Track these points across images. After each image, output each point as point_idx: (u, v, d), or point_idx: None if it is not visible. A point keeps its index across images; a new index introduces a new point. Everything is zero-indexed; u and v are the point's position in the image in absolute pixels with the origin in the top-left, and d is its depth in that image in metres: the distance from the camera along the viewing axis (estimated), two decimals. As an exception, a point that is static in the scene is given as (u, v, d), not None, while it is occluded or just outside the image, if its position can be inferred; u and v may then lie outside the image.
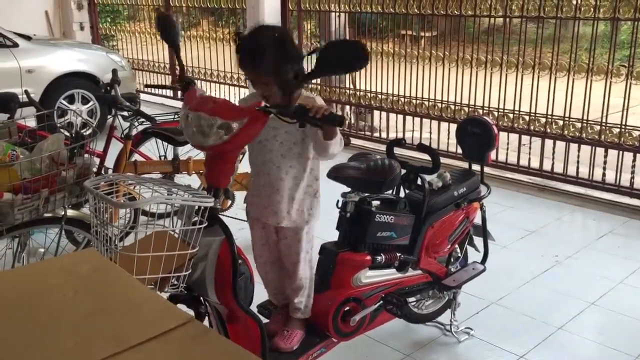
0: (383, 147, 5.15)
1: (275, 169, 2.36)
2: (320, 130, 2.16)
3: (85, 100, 6.54)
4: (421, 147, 2.78)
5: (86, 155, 2.31)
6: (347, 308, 2.57)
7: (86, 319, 1.33)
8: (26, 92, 3.82)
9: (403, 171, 2.76)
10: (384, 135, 6.39)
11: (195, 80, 2.30)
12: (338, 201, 2.60)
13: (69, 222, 2.45)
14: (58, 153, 2.27)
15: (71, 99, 6.45)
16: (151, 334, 1.28)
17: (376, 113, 6.49)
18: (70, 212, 2.49)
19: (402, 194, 2.86)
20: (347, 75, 6.76)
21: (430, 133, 5.85)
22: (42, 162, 2.21)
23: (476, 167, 3.05)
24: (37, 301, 1.40)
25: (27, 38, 6.38)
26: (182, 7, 8.65)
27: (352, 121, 6.86)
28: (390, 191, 2.76)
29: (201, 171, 3.86)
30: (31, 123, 4.19)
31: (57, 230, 2.44)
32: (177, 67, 2.41)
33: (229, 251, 2.14)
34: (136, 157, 4.06)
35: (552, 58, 4.97)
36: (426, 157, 2.81)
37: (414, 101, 5.96)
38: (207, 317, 2.27)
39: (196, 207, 2.04)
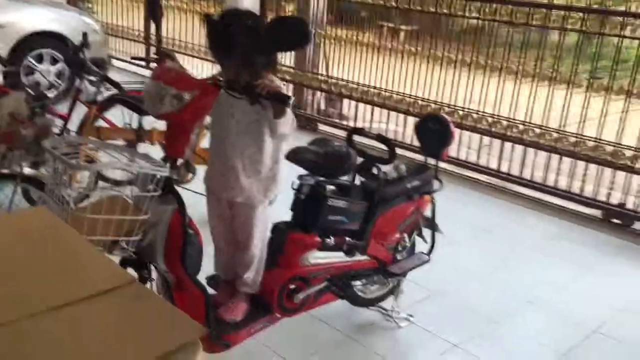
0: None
1: (230, 146, 2.40)
2: (264, 108, 2.23)
3: (54, 61, 6.46)
4: (380, 138, 2.87)
5: (47, 116, 2.33)
6: (293, 286, 2.65)
7: (31, 273, 1.38)
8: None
9: (361, 159, 2.86)
10: (351, 123, 6.47)
11: (174, 55, 2.34)
12: (293, 182, 2.67)
13: (25, 181, 2.46)
14: (19, 111, 2.29)
15: (40, 59, 6.36)
16: (93, 291, 1.33)
17: (345, 101, 6.57)
18: (27, 171, 2.51)
19: (357, 182, 2.94)
20: (322, 61, 6.84)
21: (397, 126, 5.95)
22: (2, 119, 2.23)
23: (432, 163, 3.16)
24: None
25: (0, -7, 6.27)
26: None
27: (322, 107, 6.93)
28: (345, 177, 2.84)
29: (163, 142, 3.89)
30: (-4, 79, 4.16)
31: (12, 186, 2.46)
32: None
33: (180, 221, 2.20)
34: (101, 122, 4.07)
35: (519, 63, 5.11)
36: (384, 147, 2.90)
37: (383, 93, 6.05)
38: (149, 283, 2.32)
39: (151, 176, 2.10)
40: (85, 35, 3.78)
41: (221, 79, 2.18)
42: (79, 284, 1.35)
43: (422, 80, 5.77)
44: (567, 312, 3.39)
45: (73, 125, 3.84)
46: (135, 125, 4.02)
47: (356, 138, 2.98)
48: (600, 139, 4.75)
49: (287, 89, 7.00)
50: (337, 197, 2.69)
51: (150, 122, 3.97)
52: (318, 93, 6.84)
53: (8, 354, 1.08)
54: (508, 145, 5.27)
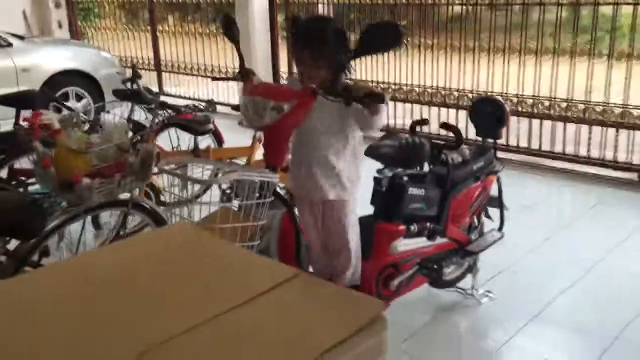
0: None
1: (314, 149, 2.55)
2: (364, 107, 2.38)
3: (78, 97, 6.62)
4: (445, 126, 3.03)
5: (150, 143, 2.48)
6: (387, 274, 2.80)
7: (199, 281, 1.44)
8: (44, 90, 3.94)
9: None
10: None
11: (254, 71, 2.49)
12: (375, 177, 2.83)
13: (133, 206, 2.61)
14: (124, 142, 2.44)
15: (66, 97, 6.51)
16: (265, 288, 1.39)
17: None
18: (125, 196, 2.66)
19: (425, 169, 3.10)
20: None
21: (412, 117, 6.14)
22: (111, 150, 2.39)
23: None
24: (156, 268, 1.51)
25: (21, 38, 6.43)
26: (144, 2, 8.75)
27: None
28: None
29: (222, 158, 4.04)
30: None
31: (120, 212, 2.61)
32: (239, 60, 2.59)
33: (291, 222, 2.35)
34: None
35: (521, 42, 5.31)
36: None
37: (393, 86, 6.26)
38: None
39: (257, 183, 2.25)
40: (135, 67, 3.93)
41: (314, 86, 2.32)
42: (250, 284, 1.41)
43: (429, 71, 5.96)
44: (631, 271, 3.55)
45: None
46: (186, 146, 4.17)
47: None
48: (625, 104, 4.93)
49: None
50: (415, 185, 2.85)
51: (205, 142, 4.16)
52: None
53: (201, 355, 1.13)
54: (536, 122, 5.44)
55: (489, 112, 3.25)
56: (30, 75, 6.18)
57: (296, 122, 2.35)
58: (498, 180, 3.25)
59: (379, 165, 2.89)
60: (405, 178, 2.86)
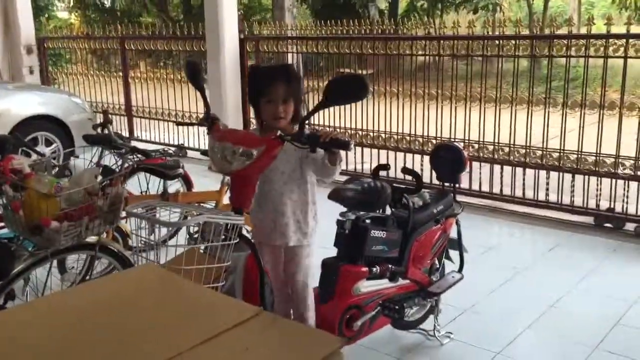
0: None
1: (278, 195, 2.64)
2: (324, 154, 2.49)
3: (47, 142, 6.64)
4: (406, 170, 3.16)
5: (120, 187, 2.55)
6: (350, 315, 2.88)
7: (163, 320, 1.50)
8: (16, 135, 3.99)
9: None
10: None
11: (218, 117, 2.60)
12: (338, 220, 2.93)
13: (100, 249, 2.66)
14: (93, 186, 2.51)
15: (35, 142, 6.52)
16: (228, 326, 1.45)
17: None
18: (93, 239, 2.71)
19: (387, 212, 3.21)
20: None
21: (379, 162, 6.29)
22: (79, 195, 2.45)
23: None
24: (123, 309, 1.56)
25: (-10, 82, 6.47)
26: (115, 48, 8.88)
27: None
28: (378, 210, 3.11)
29: (189, 202, 4.11)
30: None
31: (87, 255, 2.65)
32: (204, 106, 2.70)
33: (256, 263, 2.43)
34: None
35: (482, 91, 5.54)
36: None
37: (360, 132, 6.44)
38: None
39: (223, 226, 2.32)
40: (105, 112, 4.02)
41: (280, 133, 2.43)
42: (213, 323, 1.47)
43: (395, 117, 6.17)
44: (585, 310, 3.68)
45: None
46: (155, 190, 4.23)
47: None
48: (581, 151, 5.16)
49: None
50: (377, 228, 2.95)
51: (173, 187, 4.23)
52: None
53: None
54: (497, 167, 5.64)
55: (448, 158, 3.40)
56: (0, 120, 6.20)
57: (263, 167, 2.45)
58: (457, 222, 3.38)
59: (342, 209, 3.00)
60: (368, 221, 2.97)
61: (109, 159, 4.07)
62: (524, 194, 5.52)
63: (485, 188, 5.75)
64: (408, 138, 6.16)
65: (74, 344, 1.38)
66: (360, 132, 6.49)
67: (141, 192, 4.39)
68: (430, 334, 3.35)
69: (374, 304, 2.96)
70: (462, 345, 3.29)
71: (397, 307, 2.95)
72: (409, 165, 5.35)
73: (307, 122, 2.54)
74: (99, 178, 2.53)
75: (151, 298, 1.70)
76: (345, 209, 2.97)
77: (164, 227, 2.27)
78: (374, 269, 2.94)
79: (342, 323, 2.84)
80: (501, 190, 5.64)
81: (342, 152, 2.48)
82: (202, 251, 2.44)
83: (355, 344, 3.03)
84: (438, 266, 3.40)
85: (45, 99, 6.74)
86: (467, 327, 3.47)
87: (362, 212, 2.95)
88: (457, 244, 3.41)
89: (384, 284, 3.02)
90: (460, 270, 3.41)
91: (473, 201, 5.80)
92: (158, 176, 4.01)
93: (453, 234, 3.42)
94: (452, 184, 3.44)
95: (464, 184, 5.85)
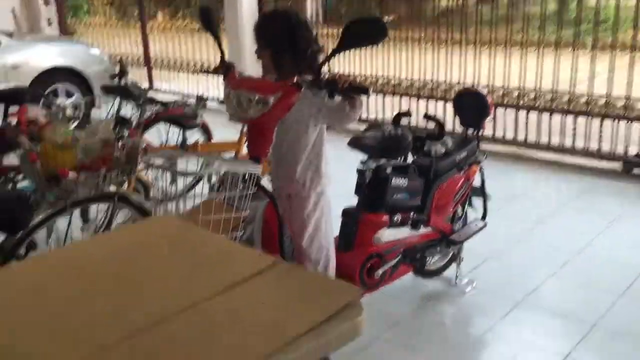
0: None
1: (286, 141, 2.50)
2: (346, 100, 2.40)
3: (68, 94, 6.64)
4: (428, 117, 3.07)
5: (137, 137, 2.52)
6: (371, 263, 2.85)
7: (182, 270, 1.49)
8: (34, 87, 3.97)
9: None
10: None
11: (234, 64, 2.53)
12: (358, 169, 2.88)
13: (119, 199, 2.64)
14: (109, 136, 2.48)
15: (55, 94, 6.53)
16: (245, 276, 1.43)
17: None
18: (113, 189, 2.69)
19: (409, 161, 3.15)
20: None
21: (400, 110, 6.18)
22: (96, 145, 2.42)
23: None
24: (138, 259, 1.55)
25: (9, 35, 6.43)
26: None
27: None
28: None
29: (209, 153, 4.08)
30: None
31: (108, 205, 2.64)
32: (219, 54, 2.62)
33: (274, 212, 2.40)
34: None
35: (507, 35, 5.35)
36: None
37: (381, 79, 6.31)
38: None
39: (241, 175, 2.28)
40: (121, 62, 3.96)
41: (297, 79, 2.35)
42: (229, 273, 1.45)
43: (417, 64, 6.01)
44: (613, 257, 3.62)
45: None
46: (173, 142, 4.20)
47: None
48: (608, 95, 4.99)
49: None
50: (398, 176, 2.90)
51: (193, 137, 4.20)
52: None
53: (180, 340, 1.18)
54: (522, 114, 5.50)
55: (472, 104, 3.30)
56: (19, 73, 6.19)
57: (280, 115, 2.39)
58: (481, 170, 3.31)
59: (363, 157, 2.94)
60: (389, 169, 2.91)
61: (130, 110, 4.05)
62: (549, 140, 5.39)
63: (510, 135, 5.63)
64: (430, 85, 6.02)
65: (88, 294, 1.37)
66: (381, 80, 6.36)
67: (161, 144, 4.36)
68: (452, 282, 3.33)
69: (395, 252, 2.93)
70: (484, 293, 3.27)
71: (418, 255, 2.92)
72: (433, 112, 5.25)
73: (324, 67, 2.46)
74: (115, 129, 2.49)
75: (166, 248, 1.68)
76: (365, 157, 2.91)
77: (183, 178, 2.23)
78: (395, 218, 2.90)
79: (362, 272, 2.82)
80: (526, 137, 5.51)
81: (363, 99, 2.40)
82: (220, 201, 2.41)
83: (377, 292, 3.01)
84: (461, 214, 3.35)
85: (64, 50, 6.70)
86: (490, 275, 3.43)
87: (382, 160, 2.89)
88: (481, 192, 3.34)
89: (405, 232, 2.98)
90: (483, 218, 3.36)
91: (498, 149, 5.69)
92: (177, 126, 3.97)
93: (476, 181, 3.36)
94: (475, 131, 3.35)
95: (489, 131, 5.74)
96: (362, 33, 2.24)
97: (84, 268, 1.51)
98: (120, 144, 2.48)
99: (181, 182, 2.44)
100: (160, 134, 4.34)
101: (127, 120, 2.58)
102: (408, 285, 3.31)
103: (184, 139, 4.07)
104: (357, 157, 2.91)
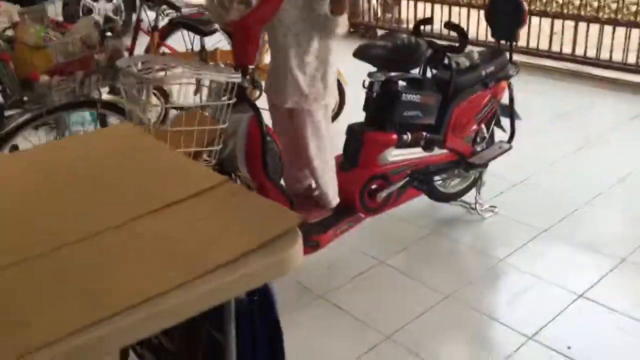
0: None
1: (283, 50, 2.31)
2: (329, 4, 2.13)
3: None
4: (449, 25, 2.75)
5: (117, 39, 2.35)
6: (374, 185, 2.65)
7: (129, 181, 1.44)
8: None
9: (430, 51, 2.76)
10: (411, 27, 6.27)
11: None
12: (364, 81, 2.62)
13: (104, 106, 2.51)
14: (89, 36, 2.31)
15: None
16: (191, 192, 1.36)
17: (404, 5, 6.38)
18: (106, 97, 2.56)
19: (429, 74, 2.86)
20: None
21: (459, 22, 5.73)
22: (75, 45, 2.26)
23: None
24: (86, 168, 1.50)
25: None
26: None
27: (379, 14, 6.73)
28: (416, 70, 2.77)
29: (228, 61, 3.88)
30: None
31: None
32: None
33: (258, 127, 2.21)
34: (164, 50, 4.09)
35: None
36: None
37: None
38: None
39: (224, 85, 2.09)
40: (137, -38, 3.74)
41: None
42: (176, 188, 1.38)
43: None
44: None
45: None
46: (196, 48, 4.01)
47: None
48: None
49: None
50: (410, 91, 2.63)
51: (213, 44, 4.00)
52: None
53: (125, 249, 1.14)
54: (582, 26, 4.97)
55: (505, 11, 2.93)
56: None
57: (264, 18, 2.15)
58: (509, 86, 2.97)
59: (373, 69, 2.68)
60: (402, 83, 2.65)
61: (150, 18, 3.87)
62: (611, 56, 4.87)
63: (567, 50, 5.12)
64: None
65: (27, 199, 1.35)
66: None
67: (187, 50, 4.18)
68: (471, 206, 3.09)
69: (402, 174, 2.71)
70: (505, 221, 3.02)
71: (430, 178, 2.68)
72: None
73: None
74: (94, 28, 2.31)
75: (117, 159, 1.58)
76: (375, 69, 2.65)
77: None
78: (405, 137, 2.65)
79: (363, 194, 2.63)
80: (585, 51, 5.00)
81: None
82: (203, 113, 2.24)
83: (386, 214, 2.82)
84: (485, 135, 3.05)
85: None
86: (515, 202, 3.17)
87: (394, 73, 2.62)
88: (508, 111, 3.03)
89: (416, 153, 2.74)
90: (509, 140, 3.06)
91: (552, 64, 5.22)
92: (193, 32, 3.77)
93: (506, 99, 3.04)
94: (509, 42, 2.99)
95: (543, 44, 5.25)
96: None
97: (31, 174, 1.47)
98: (103, 45, 2.31)
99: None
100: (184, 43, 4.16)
101: (112, 20, 2.39)
102: (423, 208, 3.10)
103: (202, 46, 3.87)
104: (366, 69, 2.65)
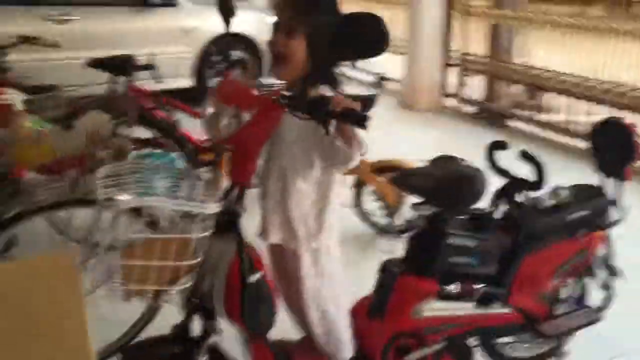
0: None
1: (280, 173, 1.89)
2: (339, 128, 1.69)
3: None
4: (524, 155, 2.18)
5: (123, 138, 2.10)
6: (402, 344, 2.12)
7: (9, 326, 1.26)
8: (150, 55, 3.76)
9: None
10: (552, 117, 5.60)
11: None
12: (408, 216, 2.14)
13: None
14: (97, 131, 2.09)
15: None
16: None
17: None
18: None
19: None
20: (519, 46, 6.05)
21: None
22: (79, 139, 2.05)
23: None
24: None
25: (190, -4, 6.48)
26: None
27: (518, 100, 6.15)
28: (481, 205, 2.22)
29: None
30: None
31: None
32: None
33: (238, 268, 1.81)
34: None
35: None
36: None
37: (585, 83, 5.09)
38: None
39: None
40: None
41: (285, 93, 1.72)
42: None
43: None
44: None
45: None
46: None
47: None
48: None
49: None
50: (462, 232, 2.09)
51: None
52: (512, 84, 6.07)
53: None
54: None
55: (613, 141, 2.30)
56: (191, 37, 6.24)
57: (260, 138, 1.78)
58: (607, 237, 2.30)
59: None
60: (454, 220, 2.12)
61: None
62: None
63: None
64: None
65: None
66: (574, 79, 5.18)
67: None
68: (546, 382, 2.42)
69: (440, 334, 2.15)
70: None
71: (463, 346, 2.10)
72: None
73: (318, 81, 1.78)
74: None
75: (19, 298, 1.39)
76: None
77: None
78: (449, 288, 2.10)
79: (387, 352, 2.10)
80: None
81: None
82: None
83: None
84: (573, 293, 2.39)
85: (241, 16, 6.57)
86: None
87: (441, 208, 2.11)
88: (604, 265, 2.35)
89: (464, 309, 2.17)
90: (603, 306, 2.35)
91: None
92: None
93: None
94: (618, 180, 2.34)
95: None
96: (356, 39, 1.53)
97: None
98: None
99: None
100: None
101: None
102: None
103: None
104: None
